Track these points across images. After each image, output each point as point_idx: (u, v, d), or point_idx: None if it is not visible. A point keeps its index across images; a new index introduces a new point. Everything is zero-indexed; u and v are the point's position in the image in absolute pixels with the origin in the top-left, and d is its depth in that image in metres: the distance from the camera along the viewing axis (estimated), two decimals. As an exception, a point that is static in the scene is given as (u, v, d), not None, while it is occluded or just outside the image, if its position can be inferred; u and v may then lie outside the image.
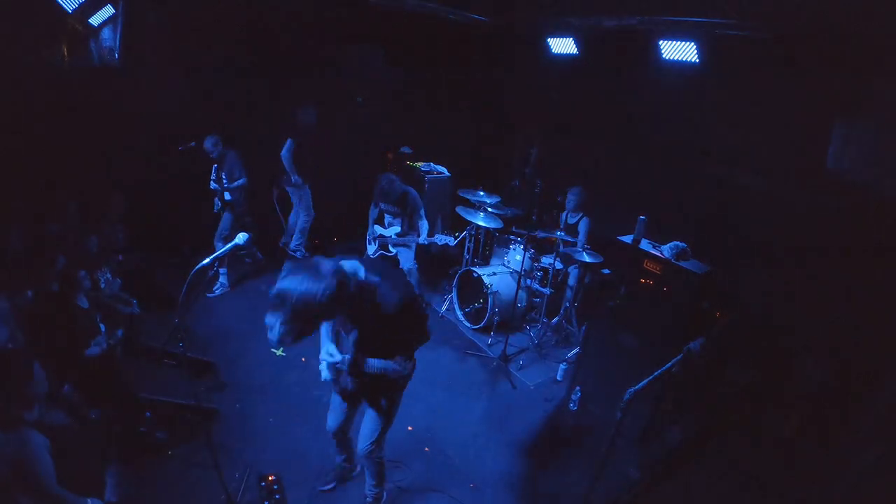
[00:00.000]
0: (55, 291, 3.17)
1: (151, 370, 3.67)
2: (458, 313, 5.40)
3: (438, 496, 3.24)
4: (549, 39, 5.54)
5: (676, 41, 4.34)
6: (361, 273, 2.09)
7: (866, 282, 3.48)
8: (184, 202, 5.42)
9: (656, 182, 4.94)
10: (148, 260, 5.05)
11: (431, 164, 6.55)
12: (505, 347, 4.75)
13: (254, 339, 4.53)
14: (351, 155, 6.68)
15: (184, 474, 3.06)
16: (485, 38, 6.40)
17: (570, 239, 4.85)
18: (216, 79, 5.41)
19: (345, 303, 1.97)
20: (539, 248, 5.25)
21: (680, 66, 4.45)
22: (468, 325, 5.33)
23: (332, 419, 2.80)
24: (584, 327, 4.64)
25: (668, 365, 2.29)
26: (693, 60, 4.32)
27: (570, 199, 5.06)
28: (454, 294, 5.47)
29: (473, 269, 5.16)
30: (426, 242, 4.83)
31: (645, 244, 3.88)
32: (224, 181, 5.06)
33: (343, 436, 2.92)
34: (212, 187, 5.15)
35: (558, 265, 5.04)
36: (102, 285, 3.64)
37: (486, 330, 5.15)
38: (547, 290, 5.04)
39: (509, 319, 4.91)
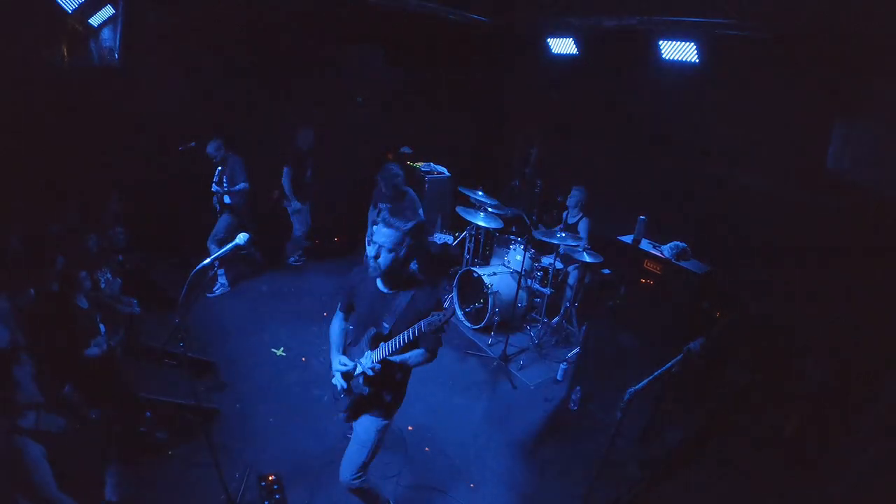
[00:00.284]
0: (55, 291, 3.17)
1: (151, 370, 3.67)
2: (459, 313, 5.40)
3: (438, 496, 3.24)
4: (549, 39, 5.55)
5: (676, 41, 4.34)
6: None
7: (866, 282, 3.48)
8: (184, 202, 5.43)
9: (656, 182, 4.94)
10: (148, 260, 5.05)
11: (431, 164, 6.55)
12: (505, 347, 4.75)
13: (254, 339, 4.53)
14: (351, 155, 6.68)
15: (184, 474, 3.06)
16: (485, 38, 6.40)
17: (572, 242, 4.84)
18: (216, 79, 5.41)
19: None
20: (539, 247, 5.25)
21: (680, 66, 4.45)
22: (468, 325, 5.33)
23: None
24: (584, 327, 4.64)
25: (668, 365, 2.30)
26: (693, 60, 4.32)
27: (574, 194, 5.06)
28: (454, 294, 5.47)
29: (473, 269, 5.16)
30: None
31: (645, 244, 3.88)
32: (225, 184, 5.06)
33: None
34: (213, 189, 5.15)
35: (558, 265, 5.04)
36: (102, 285, 3.64)
37: (486, 330, 5.15)
38: (547, 290, 5.04)
39: (509, 319, 4.91)
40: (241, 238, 2.36)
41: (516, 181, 6.83)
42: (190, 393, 2.88)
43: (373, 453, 2.52)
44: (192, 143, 5.02)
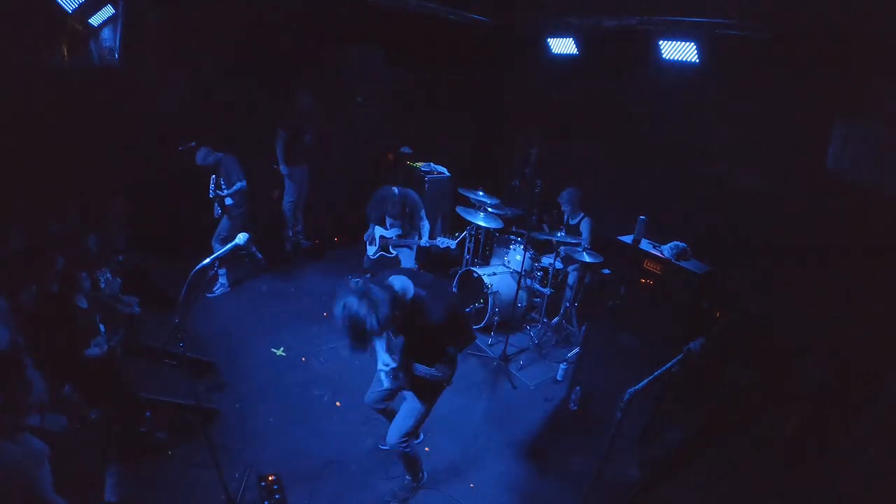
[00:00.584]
0: (55, 292, 3.17)
1: (151, 370, 3.67)
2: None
3: (439, 496, 3.24)
4: (549, 39, 5.55)
5: (676, 41, 4.34)
6: (411, 292, 2.30)
7: (866, 282, 3.47)
8: (184, 203, 5.42)
9: (656, 182, 4.93)
10: (148, 260, 5.05)
11: (431, 164, 6.55)
12: (505, 347, 4.75)
13: (254, 339, 4.53)
14: (351, 155, 6.68)
15: (184, 474, 3.06)
16: (485, 38, 6.40)
17: (571, 241, 4.84)
18: (216, 79, 5.41)
19: (396, 321, 2.23)
20: (539, 248, 5.25)
21: (680, 66, 4.45)
22: (468, 325, 5.32)
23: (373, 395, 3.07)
24: (584, 327, 4.64)
25: (668, 365, 2.29)
26: (693, 60, 4.32)
27: (563, 196, 5.07)
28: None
29: (473, 269, 5.16)
30: (427, 245, 4.83)
31: (645, 244, 3.88)
32: (223, 186, 5.03)
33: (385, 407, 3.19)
34: (211, 196, 5.08)
35: (558, 265, 5.04)
36: (102, 285, 3.64)
37: (486, 330, 5.15)
38: (547, 290, 5.04)
39: (509, 319, 4.91)
40: (241, 238, 2.37)
41: (516, 181, 6.83)
42: (190, 393, 2.89)
43: (418, 423, 2.81)
44: (192, 143, 5.00)
